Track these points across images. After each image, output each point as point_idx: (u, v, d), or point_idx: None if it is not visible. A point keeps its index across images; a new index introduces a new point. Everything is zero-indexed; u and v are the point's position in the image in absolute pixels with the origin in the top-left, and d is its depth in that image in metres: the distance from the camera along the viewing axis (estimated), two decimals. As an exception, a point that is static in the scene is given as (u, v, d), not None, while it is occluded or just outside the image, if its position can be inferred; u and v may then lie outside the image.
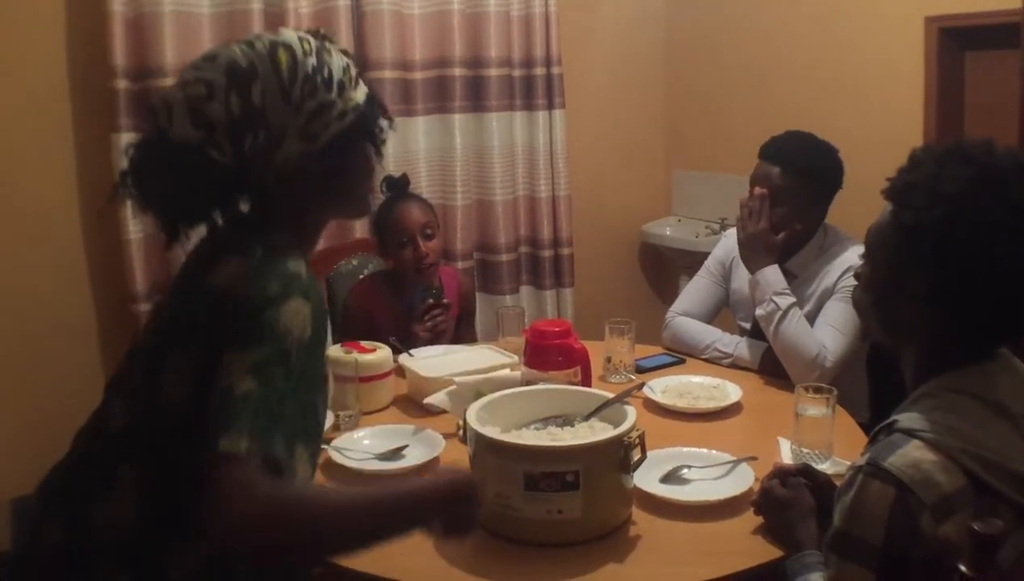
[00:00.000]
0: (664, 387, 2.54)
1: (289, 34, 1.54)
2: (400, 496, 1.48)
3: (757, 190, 2.67)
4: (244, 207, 1.58)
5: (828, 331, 2.57)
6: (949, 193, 1.42)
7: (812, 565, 1.61)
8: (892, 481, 1.35)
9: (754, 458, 2.06)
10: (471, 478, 1.58)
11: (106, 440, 1.52)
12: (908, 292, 1.49)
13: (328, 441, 2.20)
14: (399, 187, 3.12)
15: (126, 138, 3.40)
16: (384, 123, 1.68)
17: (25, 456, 3.57)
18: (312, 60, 1.52)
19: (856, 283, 1.67)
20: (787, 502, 1.77)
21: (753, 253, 2.67)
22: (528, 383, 2.27)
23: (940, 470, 1.35)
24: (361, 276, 3.35)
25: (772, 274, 2.62)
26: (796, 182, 2.66)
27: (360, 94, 1.60)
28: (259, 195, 1.54)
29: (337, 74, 1.55)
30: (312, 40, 1.55)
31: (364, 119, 1.61)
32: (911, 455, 1.36)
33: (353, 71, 1.61)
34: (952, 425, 1.39)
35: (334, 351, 2.51)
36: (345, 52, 1.62)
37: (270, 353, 1.36)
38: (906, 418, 1.44)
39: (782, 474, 1.84)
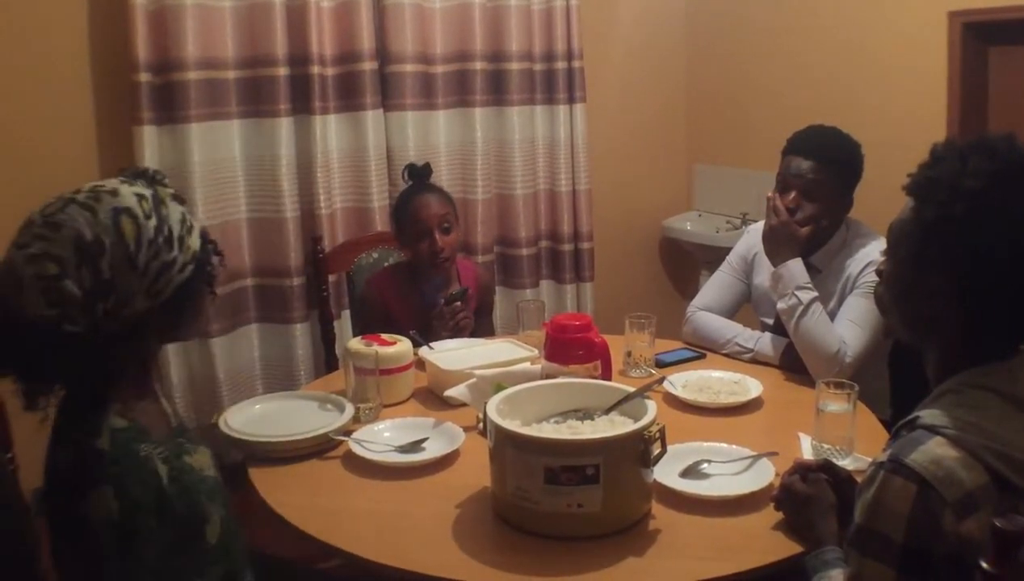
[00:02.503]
0: (684, 382, 2.54)
1: (127, 195, 1.56)
2: None
3: (793, 196, 2.65)
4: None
5: (848, 327, 2.56)
6: (972, 188, 1.41)
7: (832, 561, 1.60)
8: (914, 477, 1.34)
9: (775, 453, 2.05)
10: None
11: None
12: (930, 288, 1.48)
13: (349, 433, 2.22)
14: (420, 176, 3.12)
15: (148, 131, 3.42)
16: (216, 259, 1.72)
17: (43, 448, 3.61)
18: (153, 221, 1.55)
19: (878, 279, 1.66)
20: (807, 498, 1.77)
21: (777, 246, 2.66)
22: (548, 377, 2.27)
23: (962, 467, 1.34)
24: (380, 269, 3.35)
25: (795, 268, 2.61)
26: (830, 175, 2.64)
27: (195, 239, 1.64)
28: (102, 346, 1.55)
29: (176, 229, 1.59)
30: (147, 195, 1.58)
31: (201, 264, 1.65)
32: (933, 452, 1.36)
33: (188, 218, 1.64)
34: (974, 422, 1.39)
35: (354, 344, 2.52)
36: (177, 198, 1.65)
37: (86, 547, 1.46)
38: (928, 414, 1.43)
39: (803, 470, 1.83)
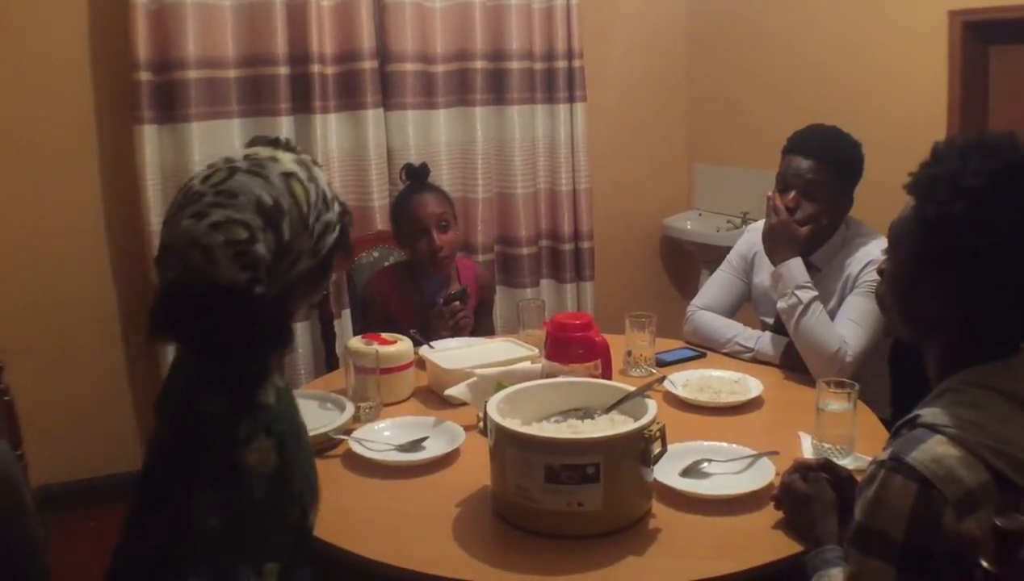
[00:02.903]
0: (685, 381, 2.54)
1: (287, 161, 1.58)
2: None
3: (793, 195, 2.66)
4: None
5: (849, 326, 2.56)
6: (973, 186, 1.41)
7: (833, 560, 1.60)
8: (914, 476, 1.34)
9: (775, 453, 2.05)
10: None
11: None
12: (932, 287, 1.48)
13: (349, 432, 2.22)
14: (418, 176, 3.12)
15: (148, 130, 3.43)
16: (347, 218, 1.74)
17: (52, 445, 3.62)
18: (313, 185, 1.58)
19: (880, 279, 1.66)
20: (808, 497, 1.76)
21: (777, 245, 2.66)
22: (549, 376, 2.27)
23: (963, 465, 1.34)
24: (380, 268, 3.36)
25: (795, 267, 2.61)
26: (829, 175, 2.64)
27: (335, 202, 1.66)
28: (271, 307, 1.55)
29: (327, 190, 1.62)
30: (299, 159, 1.61)
31: (344, 222, 1.68)
32: (934, 450, 1.36)
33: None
34: (975, 420, 1.39)
35: (355, 343, 2.52)
36: (316, 162, 1.67)
37: (233, 492, 1.43)
38: (929, 413, 1.43)
39: (803, 469, 1.83)
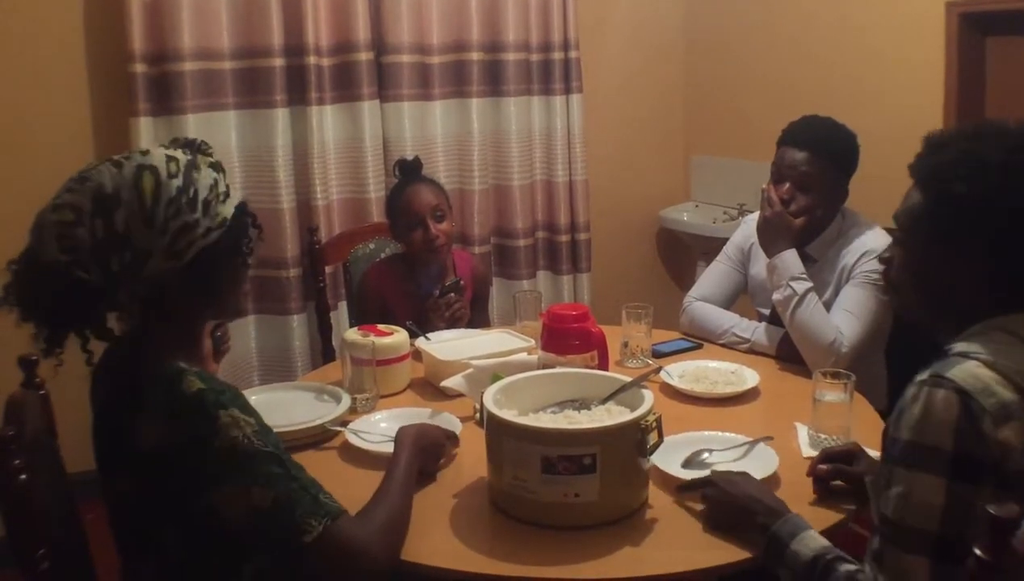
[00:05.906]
0: (681, 372, 2.54)
1: (158, 155, 1.59)
2: (404, 468, 1.82)
3: (787, 187, 2.66)
4: (126, 320, 1.65)
5: (844, 317, 2.56)
6: (997, 159, 1.48)
7: (802, 524, 1.65)
8: (954, 388, 1.40)
9: (770, 438, 2.06)
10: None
11: None
12: (957, 261, 1.53)
13: (345, 424, 2.22)
14: (411, 170, 3.12)
15: (144, 122, 3.42)
16: (254, 232, 1.75)
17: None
18: (177, 181, 1.58)
19: (881, 270, 1.68)
20: (735, 481, 1.79)
21: (771, 237, 2.66)
22: (545, 367, 2.27)
23: (996, 383, 1.41)
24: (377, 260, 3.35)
25: (790, 258, 2.61)
26: (824, 166, 2.64)
27: (228, 208, 1.66)
28: (136, 308, 1.61)
29: (203, 193, 1.61)
30: (181, 158, 1.61)
31: (231, 233, 1.67)
32: (970, 369, 1.42)
33: (223, 186, 1.66)
34: (1004, 352, 1.45)
35: (351, 334, 2.52)
36: (215, 166, 1.67)
37: (254, 463, 1.54)
38: (960, 346, 1.49)
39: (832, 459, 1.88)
